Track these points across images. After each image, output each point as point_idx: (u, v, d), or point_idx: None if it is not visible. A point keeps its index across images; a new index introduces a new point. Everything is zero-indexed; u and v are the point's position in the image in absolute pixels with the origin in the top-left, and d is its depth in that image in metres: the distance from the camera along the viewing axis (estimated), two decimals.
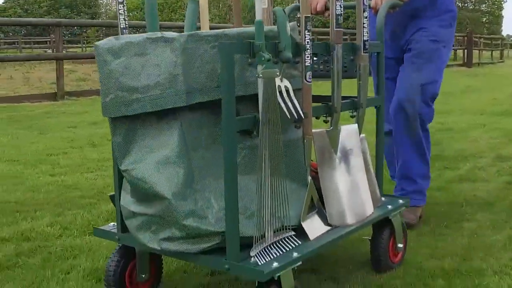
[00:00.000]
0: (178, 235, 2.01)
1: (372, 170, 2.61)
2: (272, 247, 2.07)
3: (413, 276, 2.56)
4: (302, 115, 2.16)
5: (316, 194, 2.29)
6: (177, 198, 1.96)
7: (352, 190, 2.41)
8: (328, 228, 2.30)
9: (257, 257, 1.98)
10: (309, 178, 2.26)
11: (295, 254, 2.04)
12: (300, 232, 2.19)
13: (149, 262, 2.37)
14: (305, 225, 2.22)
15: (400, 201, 2.68)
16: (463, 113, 8.37)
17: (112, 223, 2.37)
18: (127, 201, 2.16)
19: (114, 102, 1.99)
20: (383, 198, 2.69)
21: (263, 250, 2.03)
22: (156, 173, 1.98)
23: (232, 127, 1.91)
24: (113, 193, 2.30)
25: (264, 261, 1.97)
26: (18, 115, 8.46)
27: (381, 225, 2.59)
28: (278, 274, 1.94)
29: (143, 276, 2.36)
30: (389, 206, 2.59)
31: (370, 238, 2.64)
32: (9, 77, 14.57)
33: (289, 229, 2.15)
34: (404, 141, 3.24)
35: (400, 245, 2.64)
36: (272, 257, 2.01)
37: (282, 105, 2.07)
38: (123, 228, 2.26)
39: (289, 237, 2.14)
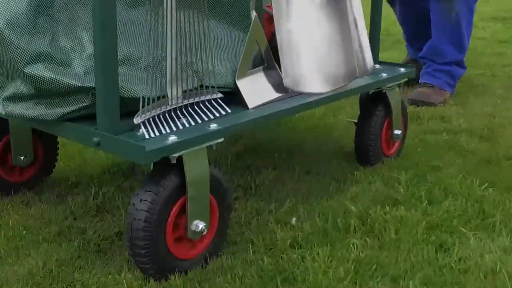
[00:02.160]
0: (25, 92, 1.27)
1: (363, 24, 1.80)
2: (181, 115, 1.33)
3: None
4: None
5: (265, 38, 1.51)
6: (17, 29, 1.22)
7: (326, 41, 1.62)
8: (281, 94, 1.54)
9: (148, 128, 1.25)
10: (253, 13, 1.47)
11: (212, 126, 1.29)
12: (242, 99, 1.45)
13: (31, 139, 1.67)
14: (242, 85, 1.46)
15: (402, 69, 1.90)
16: None
17: None
18: None
19: None
20: (377, 66, 1.91)
21: (163, 118, 1.30)
22: None
23: None
24: None
25: (158, 134, 1.24)
26: None
27: (372, 102, 1.85)
28: (177, 155, 1.22)
29: (22, 158, 1.67)
30: (384, 75, 1.82)
31: (356, 121, 1.89)
32: None
33: (214, 90, 1.40)
34: (439, 22, 2.66)
35: (398, 132, 1.91)
36: (174, 129, 1.28)
37: None
38: None
39: (212, 101, 1.39)
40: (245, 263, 1.35)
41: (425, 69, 2.74)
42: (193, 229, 1.28)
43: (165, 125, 1.28)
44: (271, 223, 1.52)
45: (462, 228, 1.49)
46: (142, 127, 1.24)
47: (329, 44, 1.61)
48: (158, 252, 1.23)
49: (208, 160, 1.27)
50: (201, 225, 1.28)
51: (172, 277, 1.29)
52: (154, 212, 1.21)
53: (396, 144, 1.96)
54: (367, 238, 1.45)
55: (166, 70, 1.27)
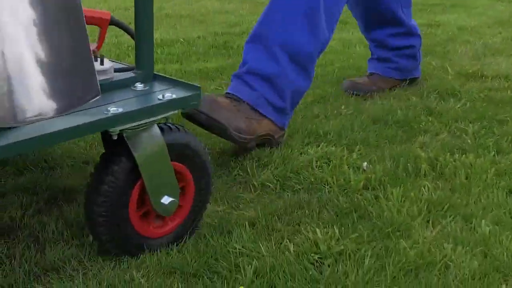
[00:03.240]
0: None
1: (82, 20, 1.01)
2: None
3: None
4: None
5: None
6: None
7: None
8: None
9: None
10: None
11: None
12: None
13: None
14: None
15: (168, 95, 1.17)
16: None
17: None
18: None
19: None
20: (140, 86, 1.23)
21: None
22: None
23: None
24: None
25: None
26: None
27: (107, 154, 1.17)
28: None
29: None
30: (112, 110, 1.09)
31: None
32: None
33: None
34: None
35: (166, 200, 1.19)
36: None
37: None
38: None
39: None
40: (321, 200, 1.42)
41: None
42: None
43: None
44: (343, 166, 1.58)
45: None
46: None
47: None
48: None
49: None
50: None
51: (253, 210, 1.38)
52: None
53: (176, 220, 1.24)
54: (438, 182, 1.50)
55: None
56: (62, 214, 1.38)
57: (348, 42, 3.04)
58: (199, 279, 1.14)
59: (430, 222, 1.33)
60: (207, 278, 1.15)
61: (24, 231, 1.31)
